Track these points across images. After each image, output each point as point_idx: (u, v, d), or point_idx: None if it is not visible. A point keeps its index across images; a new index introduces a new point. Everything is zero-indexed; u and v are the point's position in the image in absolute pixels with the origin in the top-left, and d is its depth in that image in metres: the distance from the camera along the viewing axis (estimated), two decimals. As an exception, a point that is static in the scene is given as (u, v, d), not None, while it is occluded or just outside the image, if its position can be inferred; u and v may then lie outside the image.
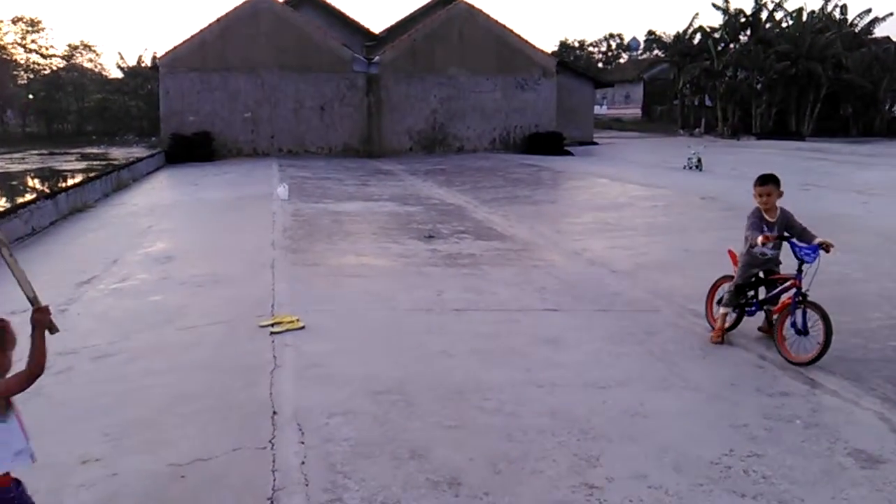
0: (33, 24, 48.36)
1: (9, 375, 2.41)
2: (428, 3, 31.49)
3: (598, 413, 4.04)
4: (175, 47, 24.54)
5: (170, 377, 4.75)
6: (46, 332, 2.44)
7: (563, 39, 64.55)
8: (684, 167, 18.95)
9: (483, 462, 3.49)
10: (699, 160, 18.79)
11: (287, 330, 5.50)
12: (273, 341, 5.27)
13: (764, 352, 5.06)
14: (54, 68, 48.23)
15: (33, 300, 2.40)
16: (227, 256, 8.52)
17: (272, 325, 5.62)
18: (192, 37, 24.42)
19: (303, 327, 5.57)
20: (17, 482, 2.50)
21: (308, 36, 25.23)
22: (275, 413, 4.06)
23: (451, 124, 26.45)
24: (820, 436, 3.77)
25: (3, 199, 11.54)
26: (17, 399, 2.46)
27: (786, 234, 4.99)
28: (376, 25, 47.76)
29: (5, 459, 2.41)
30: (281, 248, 8.72)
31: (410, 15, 31.71)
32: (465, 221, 10.88)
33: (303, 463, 3.49)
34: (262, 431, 3.83)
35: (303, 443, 3.70)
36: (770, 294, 5.20)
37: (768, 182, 5.06)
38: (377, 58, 25.87)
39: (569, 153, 25.24)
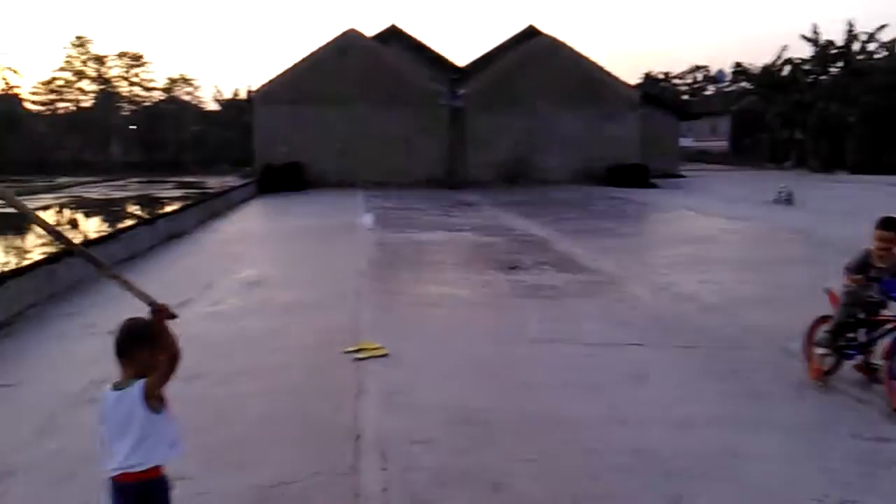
0: (136, 59, 51.29)
1: None
2: (512, 37, 31.78)
3: (684, 453, 3.92)
4: (269, 81, 25.53)
5: (258, 399, 4.87)
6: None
7: (647, 72, 63.72)
8: (774, 201, 18.39)
9: (566, 499, 3.43)
10: (790, 194, 18.20)
11: (371, 356, 5.58)
12: (357, 368, 5.35)
13: (859, 393, 4.81)
14: (155, 100, 50.80)
15: (152, 303, 2.57)
16: (315, 283, 8.73)
17: (356, 351, 5.70)
18: (285, 71, 25.35)
19: (386, 354, 5.64)
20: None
21: (395, 70, 25.84)
22: (358, 438, 4.11)
23: (533, 157, 26.48)
24: (925, 486, 3.56)
25: (106, 224, 12.15)
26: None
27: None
28: (461, 59, 48.38)
29: (163, 450, 2.60)
30: (366, 276, 8.87)
31: (495, 48, 32.08)
32: (548, 253, 10.82)
33: (384, 490, 3.51)
34: (346, 456, 3.88)
35: (385, 469, 3.73)
36: (871, 337, 4.90)
37: (892, 227, 4.62)
38: (462, 91, 26.22)
39: (654, 186, 24.85)
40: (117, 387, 2.58)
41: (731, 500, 3.41)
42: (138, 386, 2.55)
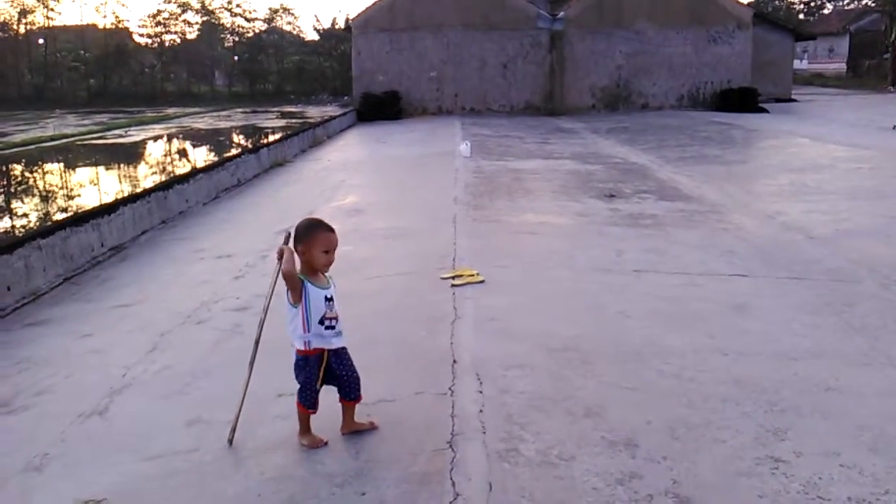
0: (238, -11, 51.77)
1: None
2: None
3: (788, 385, 3.83)
4: (367, 9, 25.42)
5: (358, 322, 5.02)
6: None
7: (760, -12, 59.92)
8: (894, 127, 17.19)
9: (661, 426, 3.43)
10: None
11: (467, 283, 5.65)
12: (454, 293, 5.44)
13: None
14: (256, 31, 51.52)
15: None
16: (412, 211, 8.84)
17: (453, 277, 5.78)
18: (382, -2, 25.14)
19: (482, 281, 5.69)
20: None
21: (493, -7, 25.20)
22: (455, 362, 4.20)
23: (636, 81, 25.56)
24: None
25: (213, 154, 12.59)
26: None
27: None
28: (562, -20, 46.67)
29: (295, 336, 3.29)
30: (463, 204, 8.91)
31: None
32: (648, 181, 10.54)
33: (480, 411, 3.60)
34: (443, 379, 3.99)
35: (481, 392, 3.81)
36: None
37: None
38: (562, 13, 25.41)
39: (764, 111, 23.62)
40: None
41: (832, 434, 3.32)
42: None
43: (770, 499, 2.86)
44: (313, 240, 3.20)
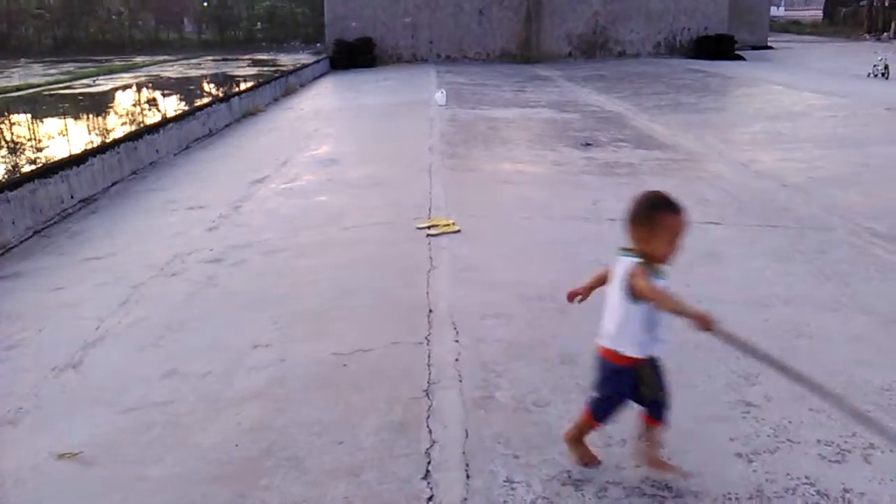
0: (208, -69, 50.26)
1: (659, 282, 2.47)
2: None
3: (760, 331, 3.88)
4: (338, -48, 24.77)
5: (334, 273, 5.02)
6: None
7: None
8: (869, 75, 17.21)
9: (635, 371, 3.47)
10: (886, 67, 16.95)
11: (443, 233, 5.63)
12: (430, 243, 5.42)
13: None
14: (226, -24, 50.08)
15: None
16: (387, 160, 8.76)
17: (429, 227, 5.77)
18: (355, -60, 24.50)
19: (458, 231, 5.68)
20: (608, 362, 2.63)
21: (468, -64, 24.66)
22: (431, 311, 4.21)
23: (613, 27, 25.30)
24: None
25: (184, 103, 12.34)
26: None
27: None
28: (538, -77, 45.80)
29: (627, 342, 2.53)
30: (438, 153, 8.84)
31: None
32: (625, 129, 10.52)
33: (456, 360, 3.62)
34: (419, 328, 4.00)
35: (457, 341, 3.83)
36: None
37: None
38: (538, -43, 24.95)
39: (740, 58, 23.54)
40: (624, 250, 2.53)
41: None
42: (628, 263, 2.47)
43: (741, 442, 2.92)
44: (659, 223, 2.44)
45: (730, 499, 2.59)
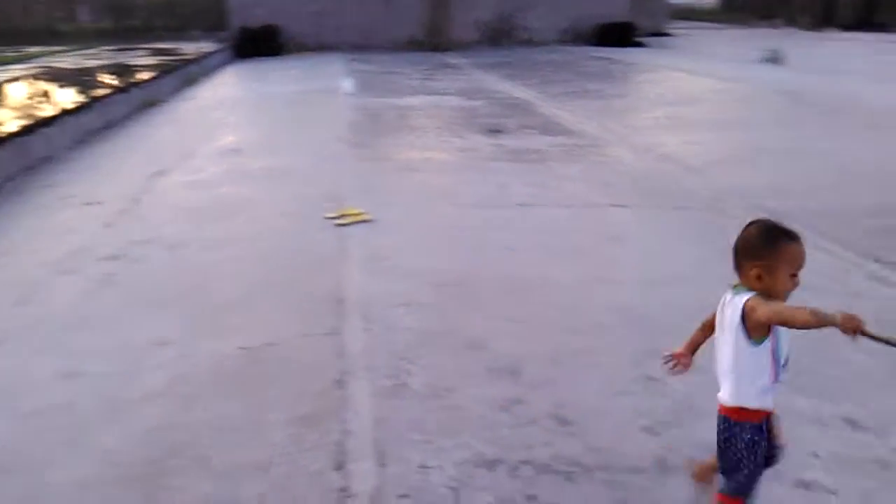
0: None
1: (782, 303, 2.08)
2: None
3: (661, 309, 4.02)
4: (240, -63, 24.11)
5: (240, 266, 4.91)
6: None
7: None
8: (760, 60, 18.01)
9: (544, 354, 3.54)
10: (776, 53, 17.77)
11: (353, 222, 5.58)
12: (339, 233, 5.37)
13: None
14: (122, -39, 48.13)
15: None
16: (295, 150, 8.61)
17: (338, 217, 5.70)
18: (257, -74, 23.90)
19: (368, 220, 5.64)
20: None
21: (373, -77, 24.42)
22: (341, 302, 4.17)
23: (520, 15, 25.55)
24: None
25: (81, 95, 11.78)
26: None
27: None
28: (443, -89, 45.76)
29: (749, 391, 2.15)
30: (346, 142, 8.75)
31: None
32: (532, 116, 10.66)
33: (367, 349, 3.60)
34: (329, 319, 3.96)
35: (367, 330, 3.81)
36: None
37: None
38: (444, -55, 24.94)
39: (641, 45, 24.20)
40: (735, 288, 2.18)
41: (702, 352, 3.50)
42: (741, 299, 2.10)
43: (645, 415, 3.02)
44: (779, 256, 2.07)
45: (636, 471, 2.67)
